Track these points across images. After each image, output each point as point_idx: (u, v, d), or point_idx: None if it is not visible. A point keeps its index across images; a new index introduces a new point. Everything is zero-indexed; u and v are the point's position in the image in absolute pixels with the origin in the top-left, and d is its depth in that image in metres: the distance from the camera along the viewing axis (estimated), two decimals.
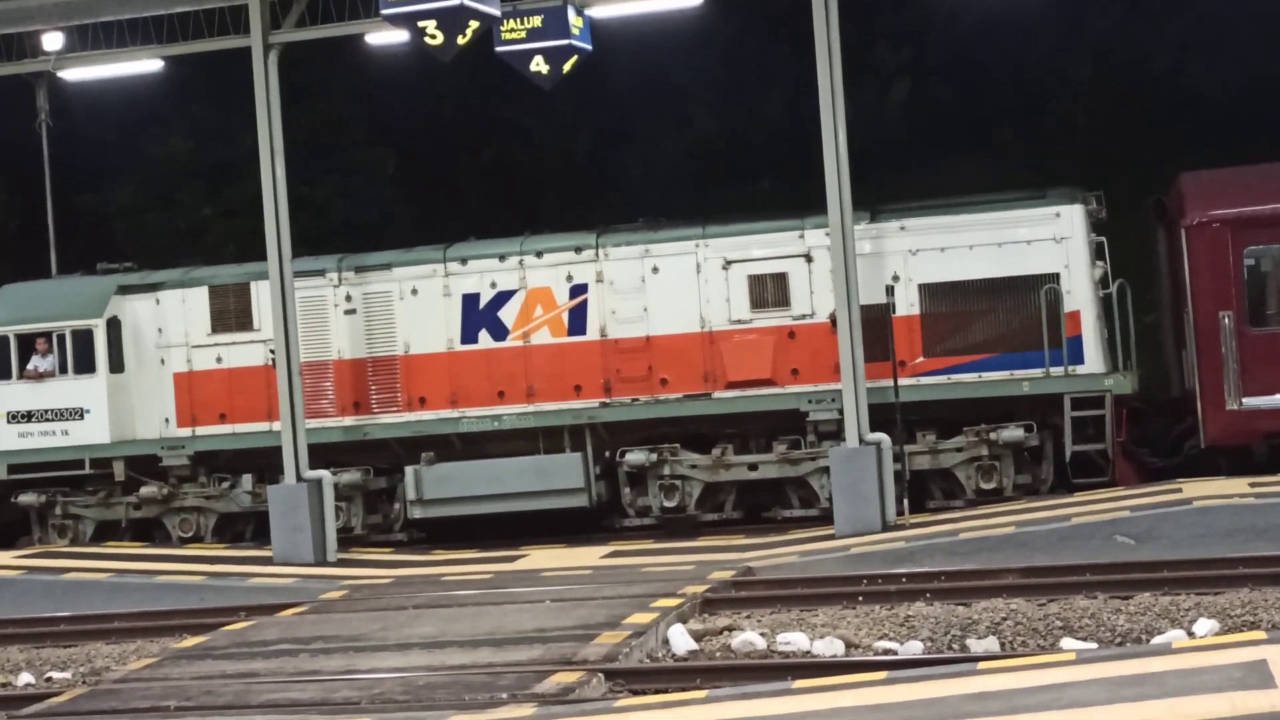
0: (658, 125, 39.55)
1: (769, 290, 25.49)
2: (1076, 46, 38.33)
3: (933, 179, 32.77)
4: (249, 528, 27.41)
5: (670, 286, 25.80)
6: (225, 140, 35.96)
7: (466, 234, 27.96)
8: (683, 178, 37.94)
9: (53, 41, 26.87)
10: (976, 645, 16.49)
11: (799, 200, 26.89)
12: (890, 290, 24.81)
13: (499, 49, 23.18)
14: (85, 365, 27.43)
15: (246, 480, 27.08)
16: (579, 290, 26.17)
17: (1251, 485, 22.09)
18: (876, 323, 24.19)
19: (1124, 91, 37.52)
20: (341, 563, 24.56)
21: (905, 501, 23.99)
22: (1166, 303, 26.90)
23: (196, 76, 33.42)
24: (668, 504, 25.68)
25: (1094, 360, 24.60)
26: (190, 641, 18.99)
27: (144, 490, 27.44)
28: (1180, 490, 22.40)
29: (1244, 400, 24.14)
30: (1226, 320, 24.17)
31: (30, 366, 27.69)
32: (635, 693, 15.06)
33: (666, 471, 25.68)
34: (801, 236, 25.50)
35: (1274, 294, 24.61)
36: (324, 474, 25.06)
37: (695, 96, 39.50)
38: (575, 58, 23.31)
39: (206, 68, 29.60)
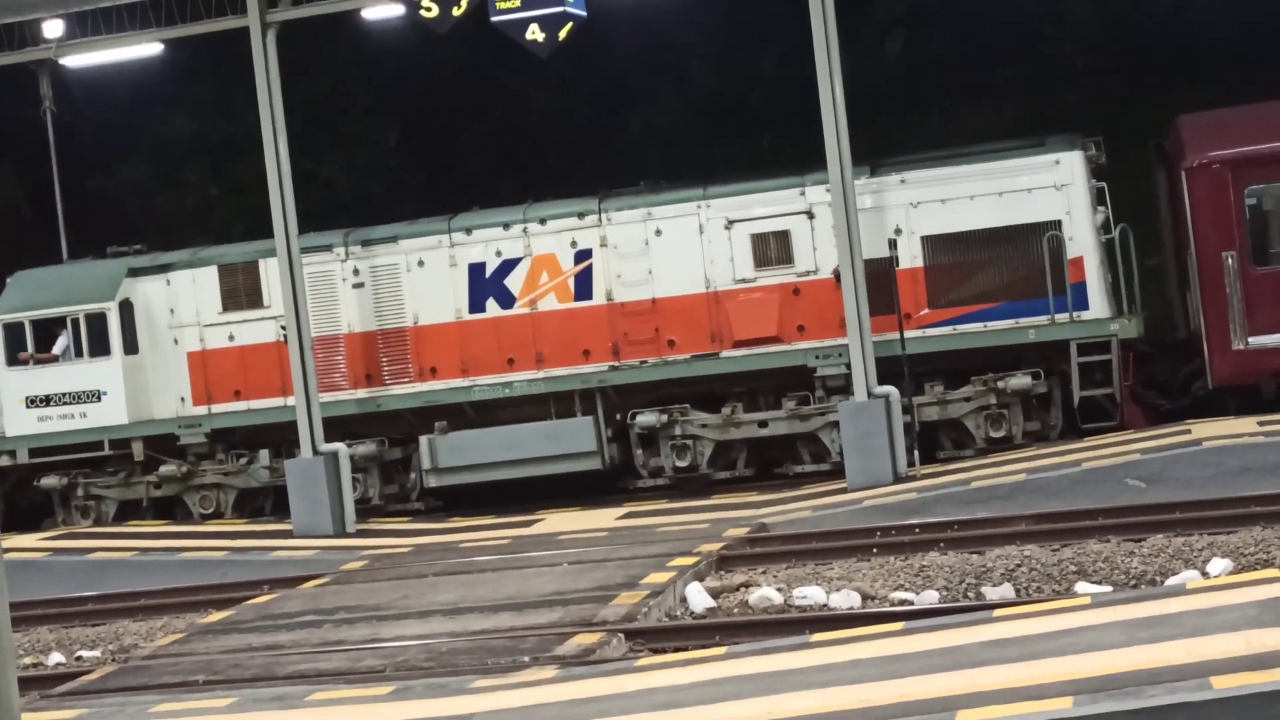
0: (656, 84, 39.55)
1: (772, 248, 25.58)
2: None
3: (932, 128, 32.82)
4: (268, 502, 27.58)
5: (674, 248, 25.90)
6: (228, 118, 36.04)
7: (471, 201, 28.05)
8: (683, 136, 37.97)
9: (53, 29, 26.98)
10: (992, 593, 16.65)
11: (802, 154, 26.93)
12: (893, 243, 24.90)
13: (494, 19, 23.26)
14: (100, 348, 27.64)
15: (264, 455, 27.25)
16: (583, 255, 26.28)
17: (1260, 424, 22.17)
18: (880, 276, 24.26)
19: (1122, 33, 37.47)
20: (361, 533, 24.78)
21: (916, 453, 24.13)
22: (1169, 245, 26.94)
23: (197, 56, 33.51)
24: (680, 464, 25.83)
25: (1099, 305, 24.69)
26: (216, 616, 19.25)
27: (163, 469, 27.66)
28: (1189, 431, 22.49)
29: (1250, 339, 24.19)
30: (1230, 260, 24.20)
31: (55, 351, 27.99)
32: (655, 651, 15.25)
33: (677, 432, 25.82)
34: (802, 193, 25.58)
35: (1276, 232, 24.59)
36: (340, 446, 25.28)
37: (693, 54, 39.50)
38: (570, 24, 23.40)
39: (207, 47, 29.73)
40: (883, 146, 26.69)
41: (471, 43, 34.92)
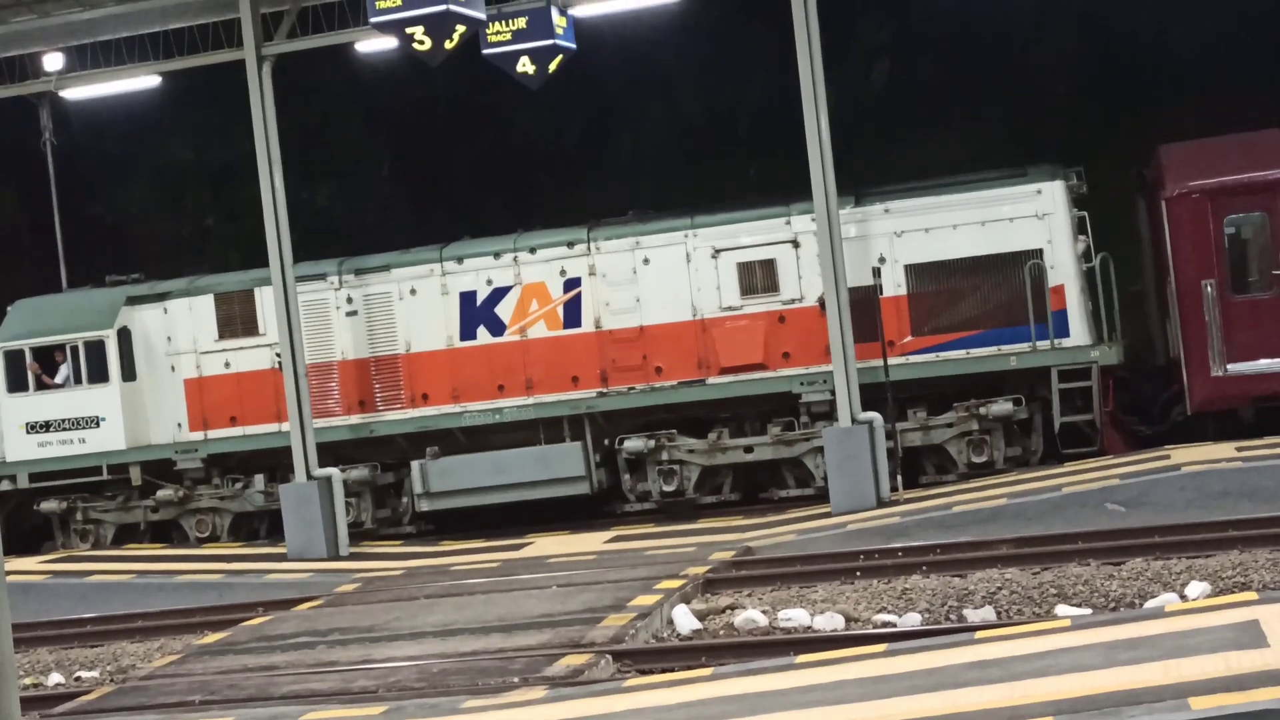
0: (644, 113, 39.81)
1: (758, 276, 25.86)
2: (1057, 17, 38.51)
3: (916, 154, 33.04)
4: (263, 526, 27.81)
5: (661, 277, 26.18)
6: (224, 147, 36.26)
7: (462, 229, 28.29)
8: (671, 164, 38.22)
9: (53, 62, 27.29)
10: (973, 615, 16.75)
11: (787, 181, 27.18)
12: (877, 272, 25.18)
13: (486, 51, 23.59)
14: (99, 375, 27.91)
15: (259, 480, 27.50)
16: (573, 284, 26.57)
17: (1238, 449, 22.35)
18: (865, 304, 24.50)
19: (1105, 61, 37.73)
20: (354, 556, 24.93)
21: (899, 478, 24.30)
22: (1150, 273, 27.23)
23: (194, 87, 33.72)
24: (667, 488, 26.07)
25: (1079, 332, 24.93)
26: (212, 638, 19.33)
27: (161, 493, 27.89)
28: (1168, 456, 22.64)
29: (1228, 366, 24.38)
30: (1209, 288, 24.43)
31: (61, 377, 28.24)
32: (643, 672, 15.34)
33: (664, 457, 26.07)
34: (788, 223, 25.86)
35: (1254, 261, 24.81)
36: (333, 471, 25.50)
37: (680, 83, 39.76)
38: (560, 57, 23.74)
39: (203, 77, 29.90)
40: (867, 173, 26.93)
41: (463, 72, 35.23)
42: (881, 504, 23.10)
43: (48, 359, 28.28)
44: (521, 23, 23.27)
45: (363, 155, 39.88)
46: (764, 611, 17.53)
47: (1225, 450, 22.47)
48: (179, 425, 28.07)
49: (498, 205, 36.18)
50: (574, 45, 23.88)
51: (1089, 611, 16.19)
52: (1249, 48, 34.43)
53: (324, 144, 38.01)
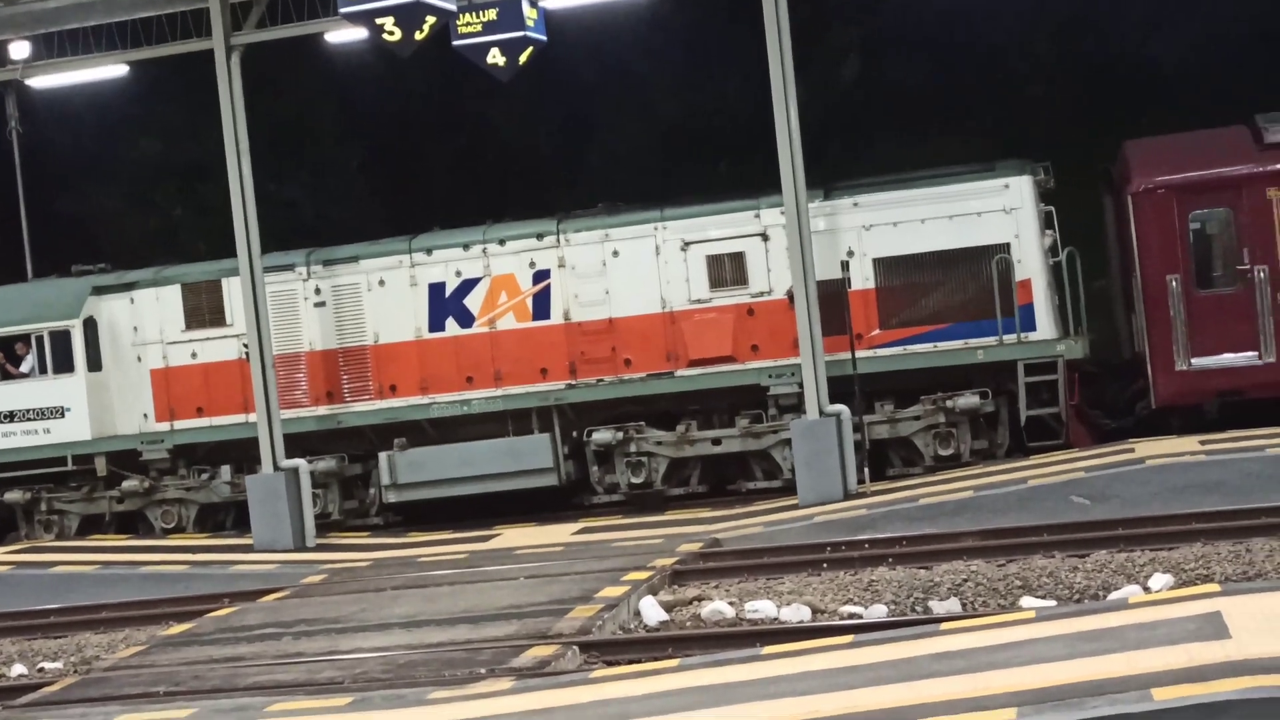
0: (618, 112, 39.85)
1: (727, 269, 25.90)
2: (1033, 16, 38.63)
3: (890, 154, 33.13)
4: (229, 517, 27.77)
5: (631, 269, 26.19)
6: (194, 140, 36.18)
7: (435, 225, 28.34)
8: (644, 162, 38.27)
9: (19, 50, 27.23)
10: (939, 607, 16.86)
11: (761, 180, 27.28)
12: (845, 265, 25.25)
13: (456, 43, 23.52)
14: (64, 365, 27.84)
15: (225, 471, 27.44)
16: (542, 276, 26.58)
17: (1202, 443, 22.53)
18: (833, 297, 24.58)
19: (1080, 61, 37.88)
20: (320, 548, 24.91)
21: (866, 470, 24.42)
22: (1116, 268, 27.35)
23: (163, 78, 33.67)
24: (635, 480, 26.12)
25: (1046, 327, 25.03)
26: (177, 629, 19.31)
27: (126, 484, 27.82)
28: (1133, 450, 22.80)
29: (1193, 361, 24.57)
30: (1174, 283, 24.60)
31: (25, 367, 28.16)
32: (610, 664, 15.38)
33: (633, 449, 26.10)
34: (757, 216, 25.91)
35: (1219, 256, 24.98)
36: (300, 463, 25.47)
37: (654, 82, 39.81)
38: (531, 49, 23.69)
39: (173, 69, 29.90)
40: (838, 172, 27.00)
41: (437, 69, 35.21)
42: (848, 496, 23.19)
43: (11, 349, 28.19)
44: (492, 14, 23.21)
45: (335, 150, 39.82)
46: (731, 603, 17.60)
47: (1189, 444, 22.67)
48: (145, 416, 27.99)
49: (471, 202, 36.13)
50: (545, 37, 23.84)
51: (1053, 603, 16.30)
52: (1227, 49, 34.55)
53: (296, 138, 37.92)
